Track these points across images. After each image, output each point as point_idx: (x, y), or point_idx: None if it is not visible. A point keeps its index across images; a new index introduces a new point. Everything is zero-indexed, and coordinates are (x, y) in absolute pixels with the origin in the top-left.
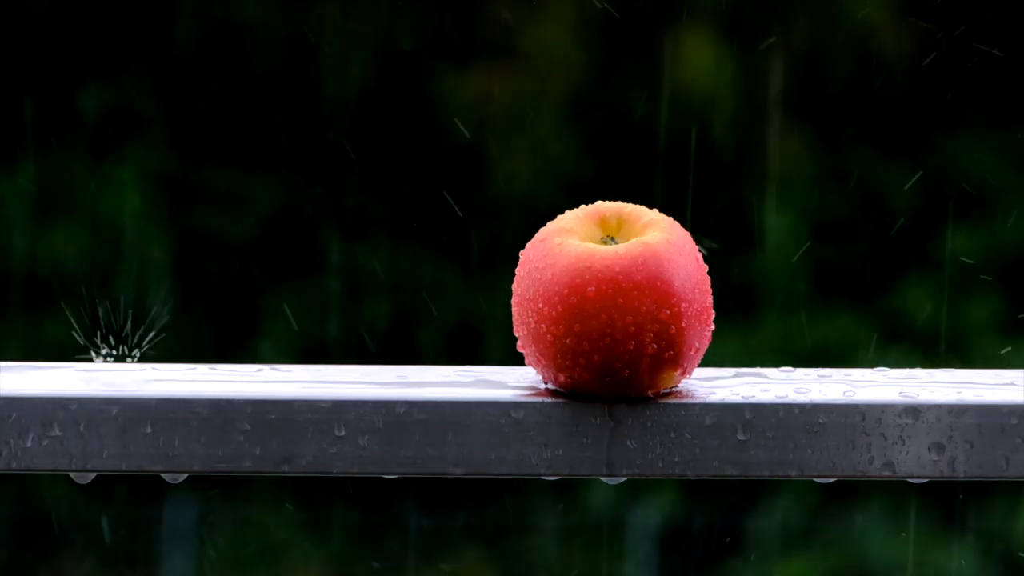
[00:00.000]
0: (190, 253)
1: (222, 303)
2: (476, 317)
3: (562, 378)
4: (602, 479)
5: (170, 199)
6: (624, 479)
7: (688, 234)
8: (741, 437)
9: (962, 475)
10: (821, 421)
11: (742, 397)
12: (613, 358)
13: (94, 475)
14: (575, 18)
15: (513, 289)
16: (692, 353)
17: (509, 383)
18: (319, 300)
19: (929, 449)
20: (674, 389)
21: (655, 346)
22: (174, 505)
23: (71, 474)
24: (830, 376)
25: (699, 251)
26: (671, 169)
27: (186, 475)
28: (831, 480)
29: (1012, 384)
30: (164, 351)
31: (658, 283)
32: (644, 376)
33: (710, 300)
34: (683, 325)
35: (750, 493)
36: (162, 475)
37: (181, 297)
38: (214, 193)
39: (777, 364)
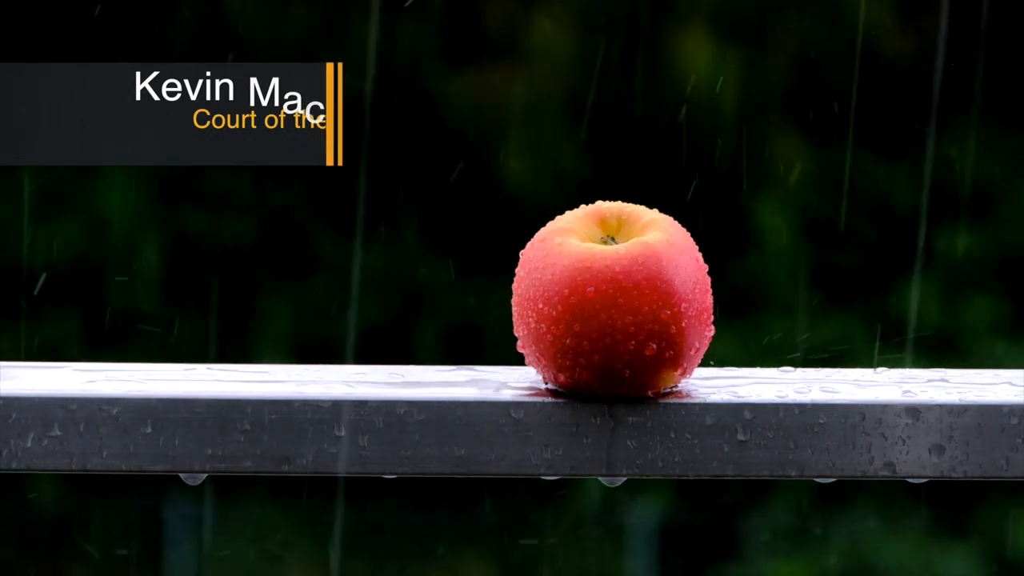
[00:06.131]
0: (188, 253)
1: (220, 303)
2: (476, 317)
3: (562, 378)
4: (602, 479)
5: (167, 199)
6: (624, 479)
7: (688, 234)
8: (741, 437)
9: (962, 475)
10: (821, 421)
11: (742, 397)
12: (613, 358)
13: (204, 476)
14: (575, 18)
15: (513, 289)
16: (692, 353)
17: (509, 383)
18: (318, 300)
19: (929, 449)
20: (674, 389)
21: (655, 346)
22: (174, 505)
23: (181, 475)
24: (830, 376)
25: (699, 251)
26: (671, 169)
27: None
28: (831, 480)
29: (1012, 384)
30: (163, 351)
31: (658, 283)
32: (644, 376)
33: (710, 300)
34: (683, 325)
35: (749, 493)
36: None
37: (179, 297)
38: (211, 193)
39: (777, 364)
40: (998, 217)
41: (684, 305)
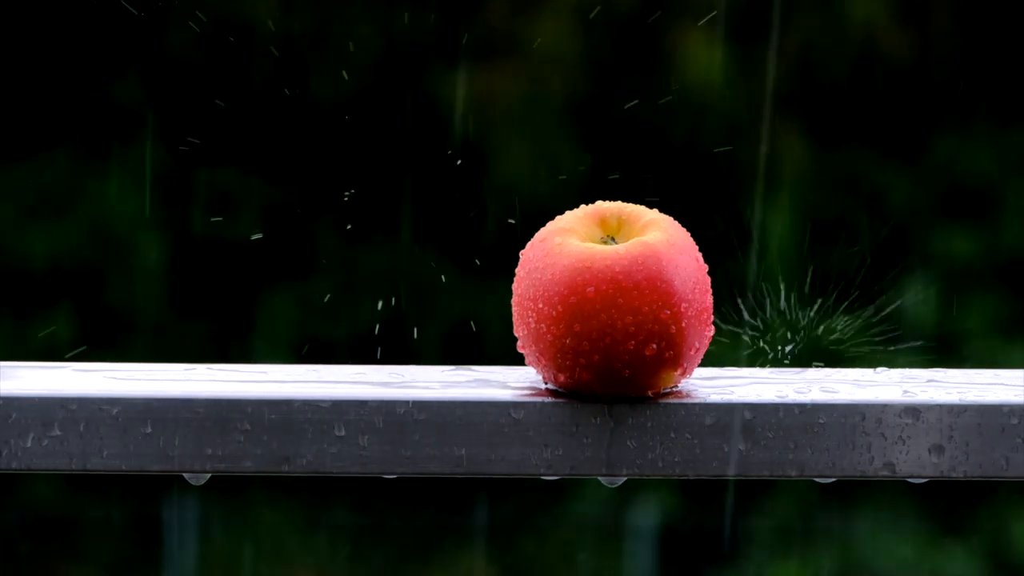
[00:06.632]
0: (187, 253)
1: (220, 303)
2: (476, 317)
3: (562, 378)
4: (602, 479)
5: (166, 199)
6: (624, 479)
7: (688, 234)
8: (741, 437)
9: (962, 475)
10: (821, 421)
11: (742, 397)
12: (613, 358)
13: (208, 475)
14: (575, 18)
15: (513, 289)
16: (692, 353)
17: (509, 383)
18: (318, 300)
19: (929, 449)
20: (674, 389)
21: (655, 346)
22: (174, 505)
23: (185, 475)
24: (830, 376)
25: (699, 251)
26: (671, 169)
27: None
28: (831, 480)
29: (1012, 384)
30: (163, 351)
31: (658, 283)
32: (644, 376)
33: (710, 300)
34: (683, 325)
35: (749, 493)
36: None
37: (179, 297)
38: (210, 193)
39: (777, 364)
40: (999, 217)
41: (684, 305)
